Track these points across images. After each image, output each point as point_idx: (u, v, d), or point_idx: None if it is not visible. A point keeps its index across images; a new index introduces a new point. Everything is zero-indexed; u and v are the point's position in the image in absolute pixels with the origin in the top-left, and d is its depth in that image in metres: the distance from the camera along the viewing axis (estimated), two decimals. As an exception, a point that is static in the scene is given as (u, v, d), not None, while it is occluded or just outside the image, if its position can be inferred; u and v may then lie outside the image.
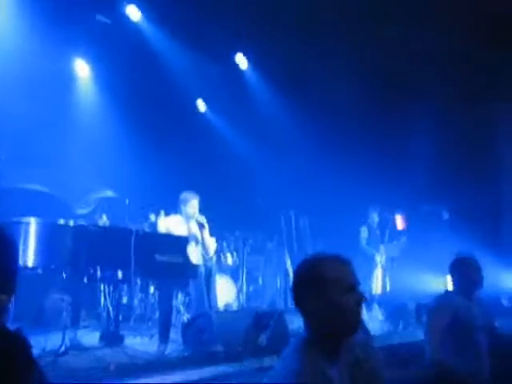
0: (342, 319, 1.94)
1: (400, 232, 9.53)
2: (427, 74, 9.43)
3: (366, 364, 2.05)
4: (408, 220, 10.13)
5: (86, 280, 5.37)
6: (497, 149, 11.03)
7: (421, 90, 9.80)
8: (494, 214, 11.05)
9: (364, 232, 9.07)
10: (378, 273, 8.84)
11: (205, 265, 6.20)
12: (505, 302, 8.04)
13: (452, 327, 3.88)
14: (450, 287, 6.71)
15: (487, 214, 10.80)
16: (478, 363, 3.91)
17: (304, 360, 1.91)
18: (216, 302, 6.40)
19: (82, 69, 8.83)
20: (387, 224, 9.56)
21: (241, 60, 10.02)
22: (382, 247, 8.99)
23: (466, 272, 4.05)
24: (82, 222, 5.45)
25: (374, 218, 9.13)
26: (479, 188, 10.35)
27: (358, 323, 1.98)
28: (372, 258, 8.75)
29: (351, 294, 1.95)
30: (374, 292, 8.60)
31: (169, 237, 5.92)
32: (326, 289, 1.94)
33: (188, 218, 6.35)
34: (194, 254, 6.11)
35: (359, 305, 1.97)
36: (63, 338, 4.98)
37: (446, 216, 11.26)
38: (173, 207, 6.58)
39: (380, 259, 8.84)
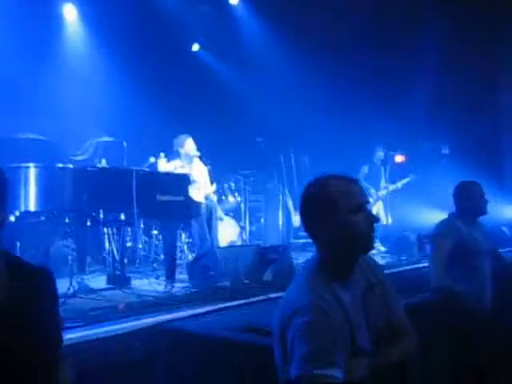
0: (354, 239, 1.90)
1: (399, 166, 9.56)
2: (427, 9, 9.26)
3: (378, 287, 2.03)
4: (408, 156, 10.13)
5: (89, 223, 5.36)
6: (495, 82, 10.89)
7: (421, 27, 9.62)
8: (493, 148, 11.03)
9: (364, 169, 9.10)
10: (376, 207, 8.90)
11: (206, 204, 6.21)
12: (506, 230, 8.11)
13: (455, 252, 3.87)
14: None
15: (487, 147, 10.77)
16: (482, 287, 3.93)
17: (316, 284, 1.88)
18: (217, 240, 6.44)
19: (70, 13, 8.61)
20: (388, 161, 9.57)
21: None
22: (382, 182, 9.02)
23: (469, 196, 4.02)
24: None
25: (380, 155, 9.13)
26: (478, 122, 10.28)
27: (370, 243, 1.94)
28: (368, 191, 8.80)
29: (362, 213, 1.90)
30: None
31: (170, 175, 5.89)
32: (336, 209, 1.88)
33: (189, 158, 6.31)
34: (197, 194, 6.09)
35: (371, 224, 1.92)
36: (70, 283, 5.01)
37: (446, 151, 11.24)
38: (170, 151, 6.54)
39: (376, 194, 8.89)
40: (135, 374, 3.48)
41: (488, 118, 10.69)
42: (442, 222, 4.13)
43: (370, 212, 1.95)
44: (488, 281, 3.99)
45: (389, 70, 10.02)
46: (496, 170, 10.51)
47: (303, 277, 1.94)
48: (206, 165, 6.64)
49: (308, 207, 1.95)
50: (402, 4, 9.25)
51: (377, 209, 8.91)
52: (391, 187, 9.05)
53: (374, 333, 1.96)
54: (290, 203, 9.06)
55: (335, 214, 1.88)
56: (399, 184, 9.11)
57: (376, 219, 1.96)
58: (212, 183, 6.64)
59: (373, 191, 8.88)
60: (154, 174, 5.91)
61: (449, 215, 4.13)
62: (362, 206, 1.91)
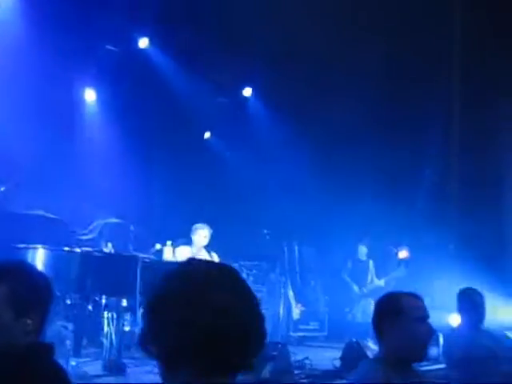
0: (412, 345, 2.30)
1: (401, 262, 9.57)
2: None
3: None
4: (411, 252, 10.13)
5: (91, 307, 5.36)
6: (498, 180, 11.05)
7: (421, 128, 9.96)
8: (497, 244, 11.00)
9: (348, 264, 9.28)
10: (363, 303, 8.81)
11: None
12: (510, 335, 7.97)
13: (466, 361, 4.01)
14: (454, 322, 6.75)
15: (491, 244, 10.76)
16: None
17: (378, 374, 2.28)
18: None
19: (90, 96, 8.96)
20: (389, 256, 9.62)
21: (247, 91, 10.23)
22: (375, 280, 9.01)
23: (472, 306, 4.18)
24: (88, 248, 5.45)
25: (362, 250, 9.21)
26: (482, 219, 10.35)
27: (425, 350, 2.34)
28: (351, 289, 8.80)
29: (422, 324, 2.32)
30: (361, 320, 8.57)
31: (175, 265, 5.91)
32: (402, 317, 2.30)
33: (198, 248, 6.38)
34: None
35: (429, 334, 2.33)
36: (66, 367, 4.93)
37: (451, 247, 11.24)
38: (177, 237, 6.61)
39: (360, 291, 8.86)
40: None
41: (492, 213, 10.75)
42: (453, 334, 4.29)
43: (430, 325, 2.35)
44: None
45: (391, 167, 10.26)
46: (501, 268, 10.45)
47: (368, 367, 2.41)
48: (209, 253, 6.69)
49: (379, 314, 2.42)
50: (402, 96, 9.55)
51: (362, 306, 8.83)
52: (375, 283, 9.03)
53: None
54: (291, 295, 9.02)
55: (400, 321, 2.31)
56: (382, 281, 9.08)
57: (433, 332, 2.36)
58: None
59: (356, 288, 8.89)
60: (160, 262, 5.96)
61: (459, 324, 4.30)
62: (423, 319, 2.33)
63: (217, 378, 1.23)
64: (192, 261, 1.41)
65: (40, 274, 1.96)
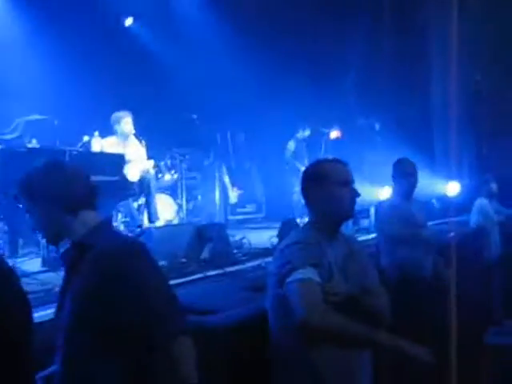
0: (337, 207, 2.41)
1: (335, 142, 9.74)
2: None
3: (358, 256, 2.49)
4: (343, 133, 10.33)
5: (21, 205, 5.18)
6: (426, 58, 11.18)
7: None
8: (424, 124, 11.39)
9: (290, 146, 9.24)
10: None
11: (142, 181, 6.15)
12: (435, 203, 8.46)
13: (398, 230, 4.26)
14: (384, 195, 7.04)
15: (417, 123, 11.12)
16: (423, 258, 4.33)
17: (305, 234, 2.42)
18: (157, 216, 6.39)
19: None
20: (322, 137, 9.75)
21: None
22: (306, 160, 9.16)
23: (405, 174, 4.38)
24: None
25: (304, 132, 9.27)
26: (409, 99, 10.58)
27: (350, 212, 2.47)
28: (298, 170, 8.94)
29: (345, 188, 2.42)
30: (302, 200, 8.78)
31: (104, 155, 5.78)
32: (326, 181, 2.41)
33: (124, 136, 6.22)
34: (133, 173, 6.01)
35: (352, 197, 2.43)
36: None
37: (377, 127, 11.51)
38: (106, 128, 6.41)
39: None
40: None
41: (419, 94, 11.02)
42: (387, 204, 4.45)
43: (353, 188, 2.45)
44: (428, 251, 4.31)
45: (323, 45, 10.15)
46: (427, 145, 10.87)
47: (296, 231, 2.52)
48: (140, 141, 6.55)
49: (305, 180, 2.51)
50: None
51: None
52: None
53: (350, 287, 2.33)
54: (227, 180, 9.09)
55: (325, 186, 2.41)
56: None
57: (357, 194, 2.44)
58: (149, 159, 6.57)
59: (302, 169, 8.96)
60: (88, 153, 5.78)
61: (391, 193, 4.47)
62: (347, 183, 2.43)
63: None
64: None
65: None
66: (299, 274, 2.19)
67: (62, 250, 2.02)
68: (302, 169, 8.80)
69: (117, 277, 1.80)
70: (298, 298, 2.15)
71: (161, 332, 1.82)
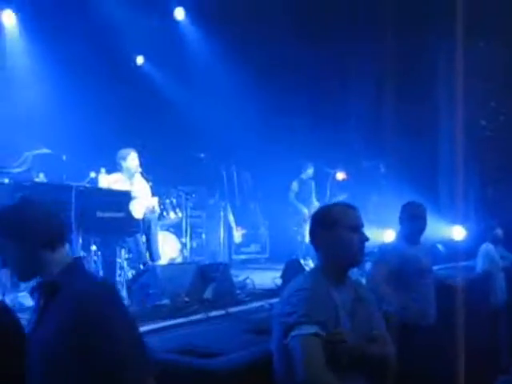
0: (346, 252, 2.38)
1: (341, 184, 9.72)
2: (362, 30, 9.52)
3: (366, 303, 2.47)
4: (349, 174, 10.34)
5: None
6: (432, 102, 11.27)
7: (356, 46, 9.89)
8: (430, 167, 11.39)
9: (294, 186, 9.17)
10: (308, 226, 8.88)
11: (143, 218, 6.15)
12: (440, 247, 8.40)
13: (399, 272, 4.06)
14: (388, 238, 6.97)
15: (423, 166, 11.13)
16: (426, 305, 4.14)
17: (312, 279, 2.37)
18: (158, 255, 6.37)
19: (9, 18, 8.35)
20: (327, 178, 9.73)
21: (179, 13, 9.84)
22: (314, 201, 9.10)
23: (413, 216, 4.24)
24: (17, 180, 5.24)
25: (308, 172, 9.22)
26: (416, 142, 10.62)
27: (359, 257, 2.43)
28: (300, 211, 8.87)
29: (355, 233, 2.39)
30: (306, 241, 8.71)
31: (110, 192, 5.79)
32: (334, 226, 2.39)
33: (130, 173, 6.25)
34: (138, 209, 6.02)
35: (361, 242, 2.40)
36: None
37: (383, 169, 11.53)
38: (113, 165, 6.45)
39: (309, 213, 8.94)
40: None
41: (425, 138, 11.06)
42: (381, 247, 4.35)
43: (362, 233, 2.43)
44: (432, 298, 4.17)
45: (329, 90, 10.26)
46: (432, 188, 10.86)
47: (303, 276, 2.45)
48: (147, 181, 6.59)
49: (313, 224, 2.51)
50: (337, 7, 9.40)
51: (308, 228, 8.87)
52: (314, 204, 9.12)
53: (357, 333, 2.31)
54: (232, 219, 9.08)
55: (333, 230, 2.39)
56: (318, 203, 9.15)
57: (366, 239, 2.42)
58: (153, 196, 6.59)
59: (305, 211, 8.91)
60: (95, 190, 5.79)
61: (396, 235, 4.35)
62: (356, 228, 2.41)
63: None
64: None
65: None
66: (303, 329, 2.18)
67: (31, 287, 2.01)
68: (305, 210, 8.86)
69: (86, 323, 1.80)
70: (300, 357, 2.15)
71: (127, 378, 1.81)
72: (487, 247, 7.17)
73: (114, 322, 1.85)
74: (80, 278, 1.96)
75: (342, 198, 9.06)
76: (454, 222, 9.29)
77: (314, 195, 9.23)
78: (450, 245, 8.89)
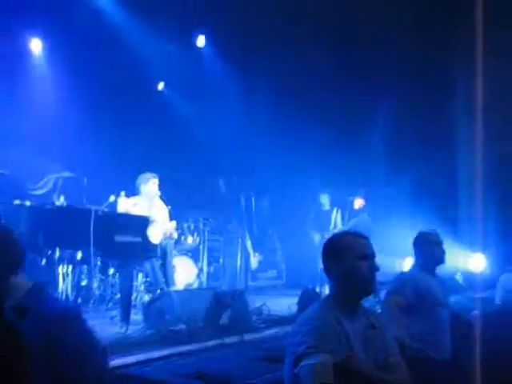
0: (356, 282, 2.37)
1: (357, 212, 9.67)
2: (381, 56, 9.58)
3: (379, 331, 2.45)
4: (367, 201, 10.27)
5: (44, 262, 5.28)
6: (453, 124, 11.19)
7: (374, 73, 9.94)
8: (450, 192, 11.26)
9: (311, 215, 9.16)
10: None
11: (160, 243, 6.19)
12: (459, 277, 8.29)
13: (415, 304, 3.94)
14: (406, 267, 6.87)
15: (445, 191, 11.00)
16: (441, 338, 3.99)
17: (323, 308, 2.37)
18: (173, 280, 6.39)
19: (36, 47, 8.61)
20: (345, 205, 9.69)
21: (200, 40, 10.02)
22: (332, 227, 9.04)
23: (428, 247, 4.11)
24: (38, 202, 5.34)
25: (325, 200, 9.21)
26: (434, 168, 10.55)
27: (370, 286, 2.39)
28: (312, 240, 8.84)
29: (364, 262, 2.38)
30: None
31: (128, 217, 5.86)
32: (344, 255, 2.39)
33: (149, 197, 6.32)
34: (155, 234, 6.07)
35: (371, 271, 2.39)
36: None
37: (405, 196, 11.43)
38: (132, 189, 6.53)
39: (323, 239, 8.87)
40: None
41: (443, 163, 10.98)
42: (402, 274, 4.28)
43: (372, 262, 2.42)
44: (447, 331, 4.07)
45: (346, 116, 10.29)
46: (451, 216, 10.74)
47: (317, 305, 2.43)
48: (166, 205, 6.65)
49: (324, 254, 2.49)
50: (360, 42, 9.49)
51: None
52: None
53: (371, 361, 2.32)
54: (249, 245, 9.09)
55: (342, 260, 2.40)
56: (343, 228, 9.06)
57: (377, 268, 2.40)
58: (171, 221, 6.64)
59: (316, 237, 8.81)
60: (114, 214, 5.87)
61: (412, 267, 4.26)
62: (366, 257, 2.40)
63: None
64: None
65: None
66: (312, 359, 2.19)
67: None
68: (317, 239, 8.76)
69: (56, 342, 1.91)
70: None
71: None
72: (507, 277, 7.05)
73: (81, 341, 1.97)
74: (46, 302, 2.05)
75: (350, 223, 8.96)
76: (473, 248, 9.15)
77: (333, 224, 9.17)
78: (468, 275, 8.78)
